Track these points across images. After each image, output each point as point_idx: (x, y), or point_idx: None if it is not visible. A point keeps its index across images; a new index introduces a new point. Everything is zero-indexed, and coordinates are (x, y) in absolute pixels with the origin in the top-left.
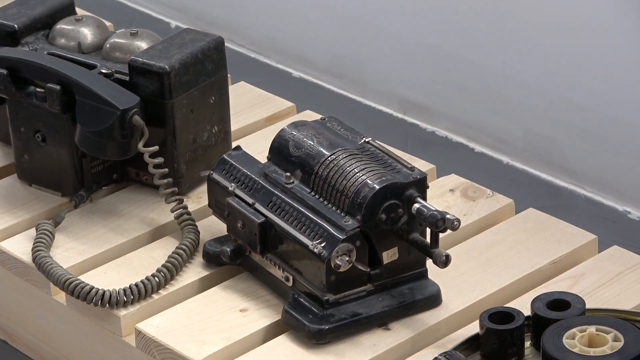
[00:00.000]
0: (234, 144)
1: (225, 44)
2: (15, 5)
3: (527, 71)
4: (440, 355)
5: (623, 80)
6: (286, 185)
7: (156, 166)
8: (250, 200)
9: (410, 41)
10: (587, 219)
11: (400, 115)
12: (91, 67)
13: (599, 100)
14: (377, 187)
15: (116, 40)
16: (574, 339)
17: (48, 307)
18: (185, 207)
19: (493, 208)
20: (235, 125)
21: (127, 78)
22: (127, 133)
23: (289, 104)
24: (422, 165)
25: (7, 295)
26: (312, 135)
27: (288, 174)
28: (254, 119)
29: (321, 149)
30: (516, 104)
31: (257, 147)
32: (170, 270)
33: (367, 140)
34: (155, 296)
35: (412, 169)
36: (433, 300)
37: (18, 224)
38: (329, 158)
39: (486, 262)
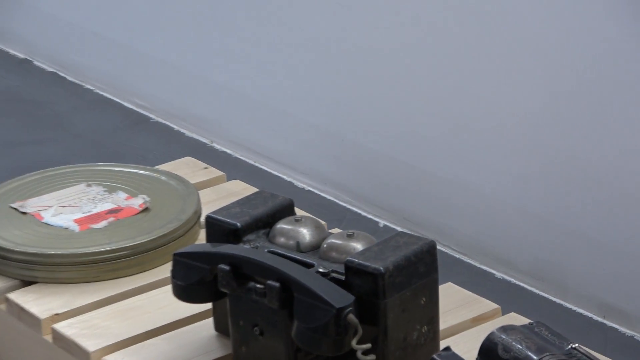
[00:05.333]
0: (442, 344)
1: None
2: (238, 204)
3: None
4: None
5: None
6: None
7: None
8: None
9: (611, 247)
10: None
11: (599, 319)
12: (309, 265)
13: None
14: None
15: (333, 241)
16: None
17: None
18: None
19: None
20: (443, 324)
21: (343, 277)
22: (342, 330)
23: (494, 305)
24: None
25: None
26: (520, 339)
27: None
28: (461, 320)
29: (529, 353)
30: None
31: (464, 347)
32: None
33: (574, 346)
34: None
35: None
36: None
37: None
38: None
39: None
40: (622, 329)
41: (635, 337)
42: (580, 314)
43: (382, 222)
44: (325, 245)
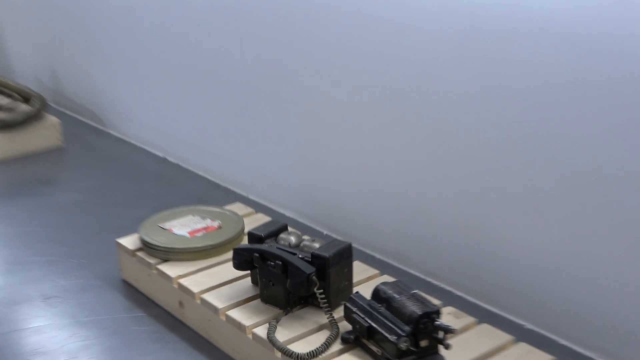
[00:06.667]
0: (355, 289)
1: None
2: (262, 225)
3: None
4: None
5: None
6: (379, 310)
7: (322, 298)
8: (362, 316)
9: (436, 224)
10: None
11: (425, 277)
12: (294, 254)
13: None
14: (420, 312)
15: (305, 242)
16: None
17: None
18: (333, 317)
19: (464, 322)
20: (354, 280)
21: (310, 259)
22: (310, 283)
23: (377, 271)
24: (435, 302)
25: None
26: (390, 287)
27: (379, 305)
28: (362, 278)
29: (394, 294)
30: None
31: (365, 292)
32: (329, 342)
33: (415, 291)
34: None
35: (434, 305)
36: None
37: (262, 321)
38: (398, 298)
39: None
40: (435, 282)
41: (439, 286)
42: (418, 276)
43: (325, 232)
44: (302, 244)
